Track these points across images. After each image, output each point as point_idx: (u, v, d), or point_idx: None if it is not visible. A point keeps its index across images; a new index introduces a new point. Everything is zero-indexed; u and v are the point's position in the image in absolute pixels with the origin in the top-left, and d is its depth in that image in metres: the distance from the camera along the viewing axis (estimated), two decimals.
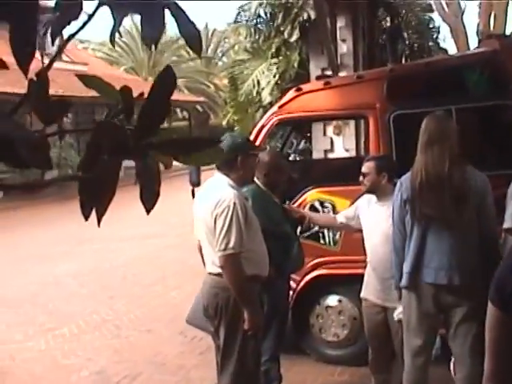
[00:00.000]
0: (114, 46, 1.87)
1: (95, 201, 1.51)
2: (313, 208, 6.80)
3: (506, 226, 4.85)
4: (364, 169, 5.67)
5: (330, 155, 13.69)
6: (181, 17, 1.76)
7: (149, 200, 1.55)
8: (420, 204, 4.83)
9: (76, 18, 1.63)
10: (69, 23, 1.68)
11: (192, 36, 1.79)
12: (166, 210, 18.65)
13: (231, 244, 4.73)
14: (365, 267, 5.83)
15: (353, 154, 12.90)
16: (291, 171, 7.78)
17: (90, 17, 1.70)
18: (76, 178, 1.53)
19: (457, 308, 4.84)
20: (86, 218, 1.54)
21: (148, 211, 1.57)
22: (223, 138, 5.15)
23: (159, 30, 1.71)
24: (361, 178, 5.69)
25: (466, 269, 4.77)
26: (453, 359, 5.26)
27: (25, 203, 22.29)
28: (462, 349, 4.88)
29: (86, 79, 1.61)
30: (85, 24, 1.70)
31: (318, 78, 8.21)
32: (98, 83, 1.59)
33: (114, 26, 1.73)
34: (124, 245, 15.30)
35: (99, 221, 1.55)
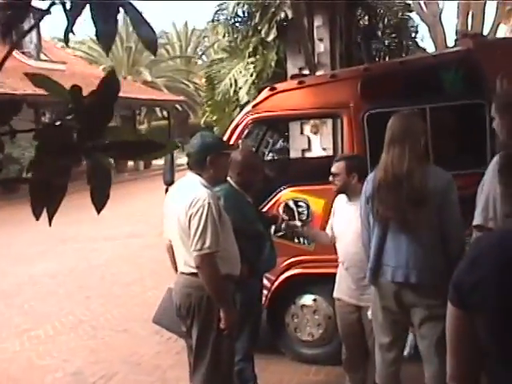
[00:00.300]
0: (67, 45, 1.84)
1: (45, 201, 1.50)
2: (287, 207, 6.81)
3: (475, 223, 4.87)
4: (334, 169, 5.68)
5: (308, 154, 13.70)
6: (136, 17, 1.76)
7: (99, 201, 1.54)
8: (378, 204, 4.87)
9: (23, 18, 1.62)
10: (21, 22, 1.67)
11: (147, 36, 1.79)
12: (146, 209, 18.61)
13: (207, 244, 4.73)
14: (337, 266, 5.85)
15: (330, 153, 12.89)
16: (267, 170, 7.78)
17: (44, 14, 1.69)
18: (24, 180, 1.52)
19: (417, 307, 4.85)
20: (37, 217, 1.54)
21: (98, 211, 1.57)
22: (194, 137, 5.17)
23: (113, 31, 1.70)
24: (331, 177, 5.70)
25: (425, 268, 4.77)
26: None
27: (3, 203, 22.14)
28: (429, 349, 4.89)
29: (35, 78, 1.60)
30: (37, 23, 1.69)
31: (293, 77, 8.22)
32: (47, 82, 1.58)
33: (67, 26, 1.72)
34: (105, 244, 15.24)
35: (50, 220, 1.55)
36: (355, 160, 5.85)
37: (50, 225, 1.58)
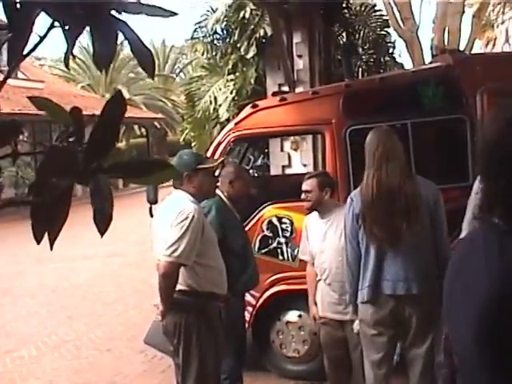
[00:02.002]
0: (68, 68, 1.85)
1: (47, 224, 1.50)
2: (271, 224, 6.82)
3: (461, 236, 4.91)
4: (306, 186, 5.74)
5: (288, 171, 13.69)
6: (134, 39, 1.76)
7: (102, 222, 1.54)
8: (370, 223, 4.91)
9: (28, 39, 1.62)
10: (26, 44, 1.67)
11: (144, 57, 1.79)
12: (126, 227, 18.61)
13: (178, 252, 4.71)
14: None
15: (310, 169, 12.90)
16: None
17: (42, 38, 1.70)
18: (27, 202, 1.52)
19: (414, 318, 4.90)
20: (38, 241, 1.53)
21: (102, 233, 1.57)
22: (175, 157, 5.22)
23: (111, 52, 1.71)
24: (303, 195, 5.75)
25: (424, 278, 4.86)
26: None
27: None
28: (417, 357, 4.98)
29: (38, 101, 1.61)
30: (37, 45, 1.70)
31: (274, 94, 8.26)
32: (49, 105, 1.58)
33: (67, 48, 1.73)
34: (85, 263, 15.14)
35: (52, 244, 1.54)
36: (326, 176, 5.91)
37: (51, 249, 1.58)
